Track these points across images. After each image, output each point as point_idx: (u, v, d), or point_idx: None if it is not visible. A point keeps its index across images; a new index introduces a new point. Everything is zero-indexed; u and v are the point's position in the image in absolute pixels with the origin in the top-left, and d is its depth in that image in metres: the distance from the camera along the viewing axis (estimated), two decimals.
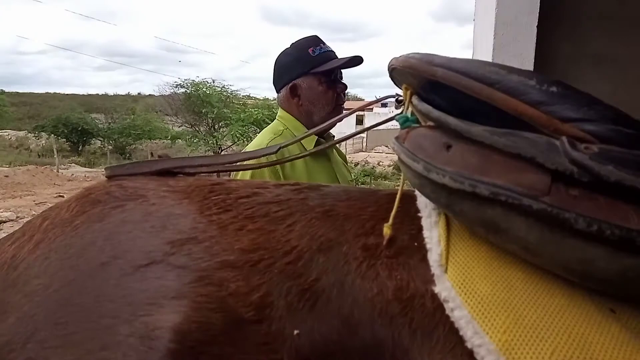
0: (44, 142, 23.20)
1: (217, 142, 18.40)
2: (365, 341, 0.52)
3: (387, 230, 0.59)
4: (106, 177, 0.73)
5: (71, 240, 0.62)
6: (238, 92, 21.71)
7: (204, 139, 18.92)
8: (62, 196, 12.46)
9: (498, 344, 0.46)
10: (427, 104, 0.58)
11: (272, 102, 21.32)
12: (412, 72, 0.60)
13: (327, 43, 1.62)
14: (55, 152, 18.49)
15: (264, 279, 0.55)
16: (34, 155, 21.40)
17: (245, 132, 17.70)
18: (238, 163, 0.77)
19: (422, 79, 0.59)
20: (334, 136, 1.67)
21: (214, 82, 20.88)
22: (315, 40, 1.59)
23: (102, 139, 23.58)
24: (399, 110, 0.74)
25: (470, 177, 0.49)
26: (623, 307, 0.49)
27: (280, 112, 1.66)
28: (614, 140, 0.47)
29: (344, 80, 1.63)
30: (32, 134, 23.69)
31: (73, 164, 19.88)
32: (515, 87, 0.50)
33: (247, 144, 1.71)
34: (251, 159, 0.79)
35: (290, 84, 1.58)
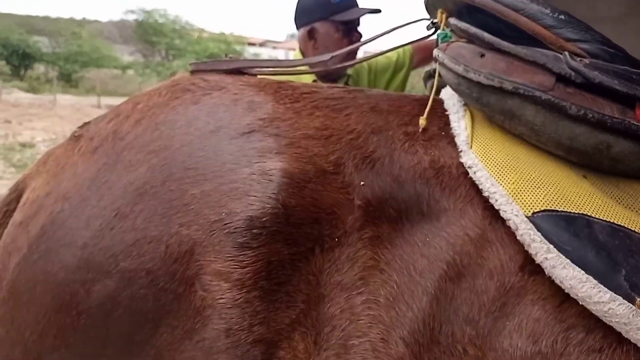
0: None
1: (171, 74, 17.84)
2: (409, 193, 0.73)
3: (422, 121, 0.79)
4: (190, 72, 0.88)
5: (174, 117, 0.78)
6: (192, 24, 20.97)
7: (157, 70, 18.33)
8: (9, 122, 11.89)
9: (508, 191, 0.68)
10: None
11: (229, 37, 20.77)
12: None
13: None
14: None
15: (337, 147, 0.74)
16: None
17: None
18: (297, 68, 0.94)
19: (460, 4, 0.77)
20: (348, 77, 1.76)
21: (166, 10, 20.01)
22: None
23: (46, 64, 22.27)
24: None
25: (499, 76, 0.70)
26: (591, 174, 0.72)
27: (296, 52, 1.77)
28: (600, 56, 0.68)
29: None
30: None
31: (15, 89, 18.84)
32: (534, 14, 0.70)
33: None
34: (307, 64, 0.96)
35: (309, 27, 1.66)
